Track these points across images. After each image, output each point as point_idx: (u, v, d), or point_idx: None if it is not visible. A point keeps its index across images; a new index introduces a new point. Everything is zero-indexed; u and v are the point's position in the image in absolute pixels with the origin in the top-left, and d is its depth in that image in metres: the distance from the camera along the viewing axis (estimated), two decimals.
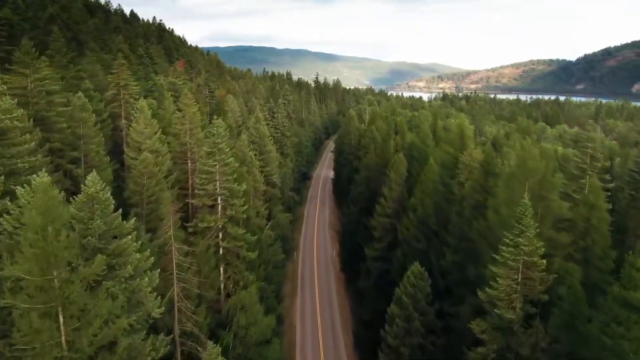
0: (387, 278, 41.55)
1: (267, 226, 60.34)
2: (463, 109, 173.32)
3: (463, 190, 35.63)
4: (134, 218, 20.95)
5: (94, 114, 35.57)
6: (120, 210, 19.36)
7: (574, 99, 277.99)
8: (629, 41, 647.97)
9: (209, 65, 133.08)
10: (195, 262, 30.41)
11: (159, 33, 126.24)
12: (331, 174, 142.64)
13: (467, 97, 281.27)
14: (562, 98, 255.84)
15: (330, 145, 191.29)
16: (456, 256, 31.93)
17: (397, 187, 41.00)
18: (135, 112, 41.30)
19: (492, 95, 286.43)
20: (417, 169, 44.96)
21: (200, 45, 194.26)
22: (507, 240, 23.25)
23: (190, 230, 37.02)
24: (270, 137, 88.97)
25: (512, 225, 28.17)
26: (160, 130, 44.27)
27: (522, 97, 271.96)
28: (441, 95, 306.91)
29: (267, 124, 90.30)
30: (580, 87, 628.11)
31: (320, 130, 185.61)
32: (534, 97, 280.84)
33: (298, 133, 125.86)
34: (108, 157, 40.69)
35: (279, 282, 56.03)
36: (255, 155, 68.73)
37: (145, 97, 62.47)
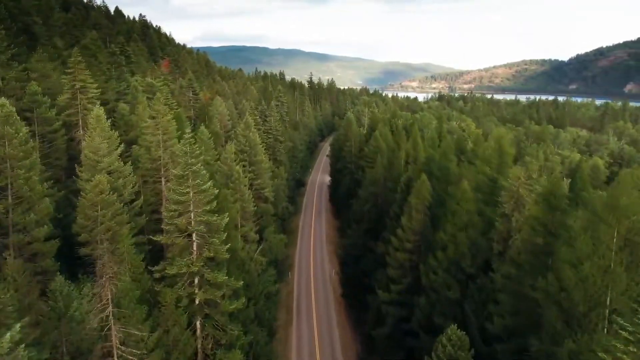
0: (405, 327, 33.21)
1: (258, 250, 51.88)
2: (463, 110, 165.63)
3: (509, 225, 27.37)
4: (18, 326, 12.18)
5: (24, 127, 26.72)
6: None
7: (572, 99, 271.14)
8: (621, 41, 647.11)
9: (197, 64, 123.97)
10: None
11: (142, 30, 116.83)
12: (327, 179, 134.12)
13: (463, 98, 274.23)
14: (560, 98, 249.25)
15: (326, 147, 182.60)
16: (508, 319, 23.66)
17: (418, 216, 32.61)
18: (91, 122, 32.45)
19: (489, 96, 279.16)
20: (437, 190, 36.57)
21: (192, 45, 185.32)
22: (624, 334, 14.94)
23: (157, 276, 28.53)
24: (261, 144, 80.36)
25: (598, 287, 20.03)
26: (122, 145, 35.58)
27: (521, 98, 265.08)
28: (437, 96, 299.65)
29: (259, 129, 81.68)
30: (573, 87, 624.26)
31: (314, 132, 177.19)
32: (531, 97, 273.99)
33: (292, 137, 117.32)
34: (54, 180, 31.93)
35: (270, 319, 47.52)
36: (244, 166, 60.21)
37: (117, 101, 53.75)
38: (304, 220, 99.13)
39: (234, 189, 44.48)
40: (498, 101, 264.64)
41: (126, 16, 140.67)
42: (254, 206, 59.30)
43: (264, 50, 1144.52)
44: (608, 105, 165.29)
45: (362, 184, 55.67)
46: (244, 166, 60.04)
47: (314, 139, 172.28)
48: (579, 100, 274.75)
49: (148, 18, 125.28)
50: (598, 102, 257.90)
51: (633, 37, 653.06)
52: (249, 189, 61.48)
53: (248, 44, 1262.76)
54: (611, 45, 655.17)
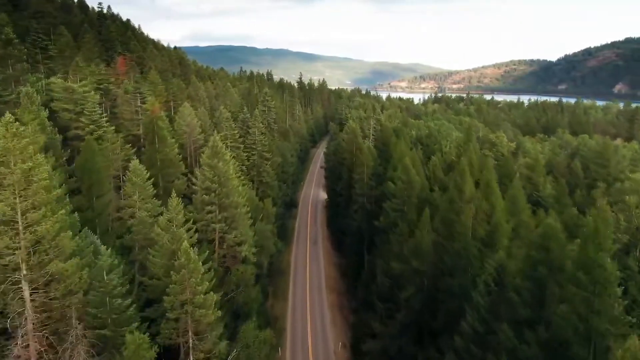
0: None
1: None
2: (471, 114, 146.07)
3: None
4: None
5: None
6: None
7: (569, 100, 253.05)
8: (609, 42, 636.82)
9: (168, 63, 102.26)
10: None
11: (99, 21, 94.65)
12: (322, 195, 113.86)
13: (462, 99, 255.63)
14: (565, 100, 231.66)
15: (318, 154, 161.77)
16: None
17: None
18: None
19: (490, 97, 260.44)
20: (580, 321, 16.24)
21: (179, 45, 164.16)
22: None
23: None
24: (240, 166, 59.52)
25: None
26: None
27: (524, 99, 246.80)
28: (432, 97, 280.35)
29: (238, 148, 60.90)
30: (562, 87, 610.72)
31: (306, 138, 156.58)
32: (533, 98, 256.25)
33: (281, 149, 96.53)
34: None
35: None
36: (210, 212, 39.42)
37: None
38: (296, 255, 78.38)
39: (181, 283, 23.98)
40: (498, 103, 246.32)
41: (90, 7, 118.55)
42: (224, 270, 38.89)
43: (252, 50, 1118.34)
44: (636, 109, 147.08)
45: (392, 246, 35.17)
46: (209, 212, 39.33)
47: (305, 145, 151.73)
48: (580, 101, 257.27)
49: (99, 3, 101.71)
50: (599, 103, 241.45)
51: (620, 37, 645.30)
52: (219, 246, 40.84)
53: (235, 44, 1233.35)
54: (599, 45, 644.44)
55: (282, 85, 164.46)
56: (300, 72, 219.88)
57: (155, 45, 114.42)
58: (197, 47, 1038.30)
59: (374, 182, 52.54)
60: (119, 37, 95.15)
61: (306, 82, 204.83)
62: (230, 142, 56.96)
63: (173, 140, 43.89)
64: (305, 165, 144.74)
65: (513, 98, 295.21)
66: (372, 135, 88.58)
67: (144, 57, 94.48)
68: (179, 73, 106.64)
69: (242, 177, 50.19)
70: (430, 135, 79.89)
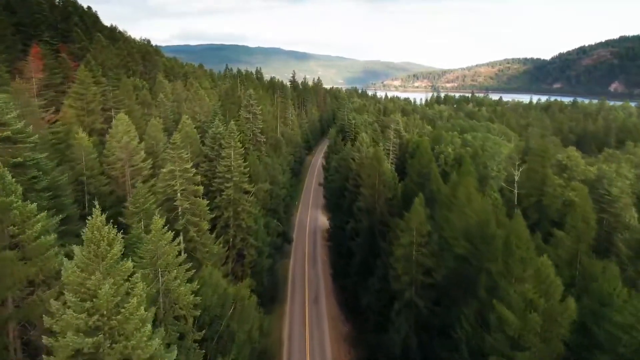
0: None
1: None
2: (492, 119, 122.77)
3: None
4: None
5: None
6: None
7: (580, 100, 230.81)
8: (603, 40, 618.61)
9: (123, 57, 77.74)
10: None
11: (21, 2, 69.48)
12: (321, 219, 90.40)
13: (466, 99, 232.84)
14: (580, 99, 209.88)
15: (315, 164, 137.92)
16: None
17: None
18: None
19: (498, 97, 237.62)
20: None
21: (169, 44, 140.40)
22: None
23: None
24: (199, 221, 35.50)
25: None
26: None
27: (534, 99, 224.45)
28: (434, 96, 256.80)
29: (195, 185, 36.85)
30: (557, 86, 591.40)
31: (300, 145, 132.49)
32: (543, 98, 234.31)
33: (270, 169, 72.48)
34: None
35: None
36: None
37: None
38: (291, 325, 53.66)
39: None
40: (506, 103, 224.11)
41: None
42: None
43: (244, 49, 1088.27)
44: None
45: None
46: None
47: (299, 154, 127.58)
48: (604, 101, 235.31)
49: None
50: (610, 103, 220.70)
51: (615, 36, 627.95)
52: None
53: (227, 43, 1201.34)
54: (593, 44, 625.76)
55: (273, 85, 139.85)
56: (294, 71, 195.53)
57: (113, 34, 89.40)
58: (187, 46, 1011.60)
59: (429, 258, 28.82)
60: (56, 22, 70.44)
61: (300, 82, 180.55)
62: (181, 184, 32.91)
63: (19, 202, 19.69)
64: (300, 177, 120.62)
65: (512, 97, 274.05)
66: (392, 151, 64.97)
67: (89, 48, 69.87)
68: (140, 70, 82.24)
69: (191, 262, 26.11)
70: (475, 154, 56.51)
